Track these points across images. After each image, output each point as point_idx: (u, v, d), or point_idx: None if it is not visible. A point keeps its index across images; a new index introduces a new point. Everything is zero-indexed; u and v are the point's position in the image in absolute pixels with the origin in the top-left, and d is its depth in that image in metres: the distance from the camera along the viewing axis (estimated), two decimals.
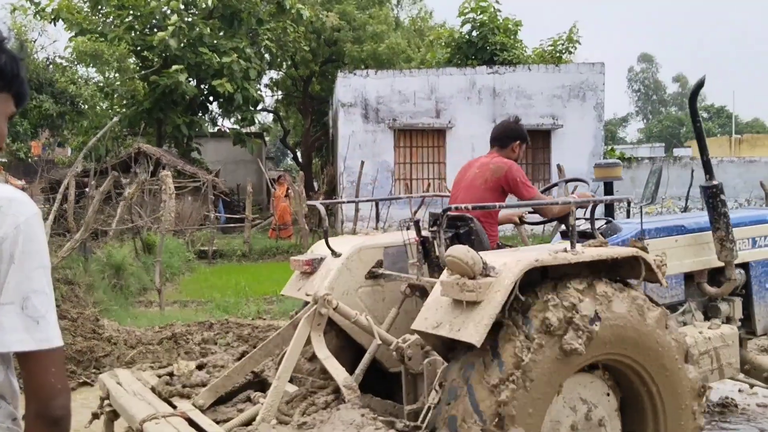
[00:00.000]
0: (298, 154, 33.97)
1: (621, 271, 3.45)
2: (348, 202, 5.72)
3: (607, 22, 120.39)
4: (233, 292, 10.90)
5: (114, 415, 3.98)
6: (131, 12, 22.33)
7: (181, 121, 22.39)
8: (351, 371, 3.74)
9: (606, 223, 4.51)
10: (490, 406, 2.91)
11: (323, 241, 4.44)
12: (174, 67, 20.70)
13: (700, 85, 4.74)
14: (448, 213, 3.77)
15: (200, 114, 24.88)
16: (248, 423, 3.54)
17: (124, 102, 22.64)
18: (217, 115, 27.45)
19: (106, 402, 4.02)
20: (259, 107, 27.75)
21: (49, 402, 1.60)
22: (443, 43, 24.69)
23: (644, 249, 3.54)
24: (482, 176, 4.48)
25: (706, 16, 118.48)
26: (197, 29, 21.58)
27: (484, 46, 22.79)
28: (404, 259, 4.24)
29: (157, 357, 7.12)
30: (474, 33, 23.14)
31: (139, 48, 22.15)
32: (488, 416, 2.91)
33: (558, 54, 23.27)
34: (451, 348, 3.23)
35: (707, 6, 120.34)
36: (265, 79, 29.70)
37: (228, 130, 26.54)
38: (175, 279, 12.85)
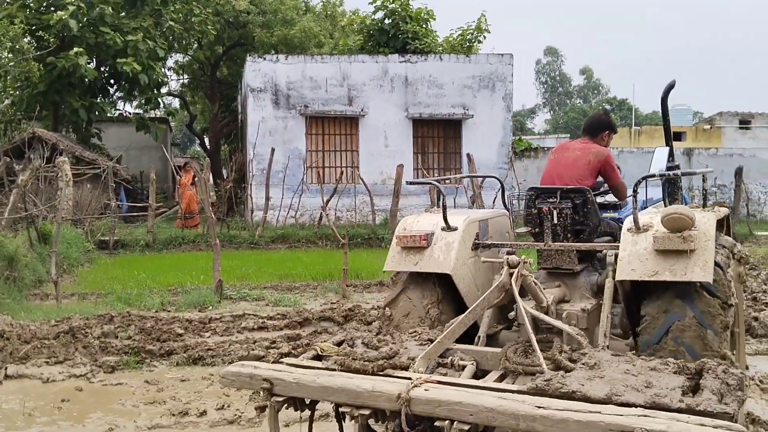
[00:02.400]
0: (206, 140, 33.04)
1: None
2: (463, 177, 6.07)
3: (515, 14, 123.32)
4: (135, 284, 10.47)
5: (281, 405, 3.73)
6: None
7: (79, 105, 21.33)
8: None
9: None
10: (717, 323, 3.87)
11: (413, 216, 5.00)
12: (75, 49, 19.64)
13: (671, 87, 5.45)
14: (565, 187, 4.87)
15: (101, 97, 23.76)
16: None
17: (18, 84, 21.37)
18: (118, 99, 26.30)
19: (271, 392, 3.67)
20: (164, 91, 26.75)
21: None
22: (355, 30, 24.49)
23: (728, 206, 4.73)
24: (585, 158, 5.16)
25: (608, 10, 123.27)
26: (98, 8, 20.53)
27: (397, 34, 22.74)
28: (487, 231, 5.00)
29: (53, 352, 6.78)
30: (386, 21, 23.05)
31: (33, 27, 20.89)
32: (717, 329, 3.86)
33: (467, 44, 23.49)
34: (639, 292, 4.11)
35: (609, 0, 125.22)
36: (169, 62, 28.69)
37: (131, 115, 25.48)
38: (73, 271, 12.23)
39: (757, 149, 26.80)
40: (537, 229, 4.91)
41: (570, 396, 3.15)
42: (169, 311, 8.84)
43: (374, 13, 23.57)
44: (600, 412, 2.94)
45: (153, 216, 16.67)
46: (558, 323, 4.07)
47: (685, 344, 3.86)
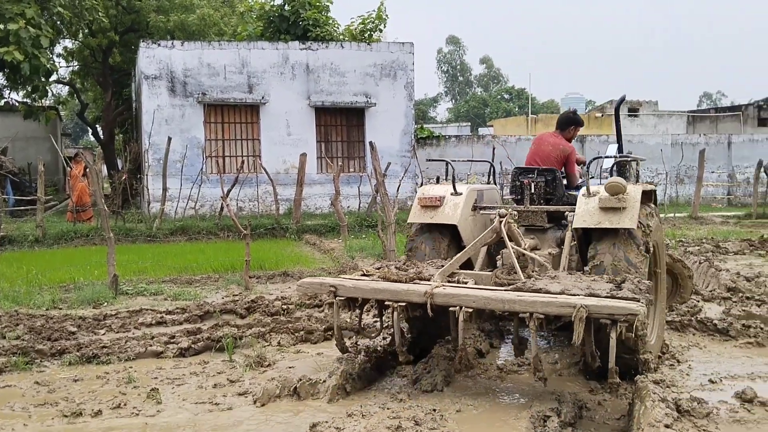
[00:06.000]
0: (99, 129, 31.66)
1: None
2: (473, 161, 9.23)
3: (417, 3, 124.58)
4: (24, 281, 9.91)
5: (343, 304, 5.41)
6: None
7: None
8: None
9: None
10: (638, 257, 5.38)
11: (429, 185, 6.44)
12: None
13: (622, 100, 7.61)
14: (540, 167, 6.66)
15: None
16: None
17: None
18: (3, 87, 24.79)
19: (335, 294, 5.34)
20: (53, 78, 25.41)
21: None
22: (255, 16, 24.04)
23: (655, 186, 6.33)
24: (555, 151, 6.94)
25: (508, 1, 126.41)
26: None
27: (297, 21, 22.52)
28: (483, 198, 6.52)
29: None
30: (286, 7, 22.76)
31: None
32: (637, 263, 5.36)
33: (368, 32, 23.52)
34: (589, 237, 5.62)
35: None
36: (58, 48, 27.26)
37: (17, 104, 24.09)
38: None
39: (644, 135, 28.26)
40: (519, 197, 6.60)
41: (537, 291, 4.87)
42: (60, 309, 8.43)
43: None
44: (556, 298, 4.67)
45: (42, 209, 15.85)
46: (529, 253, 5.75)
47: (618, 266, 5.38)
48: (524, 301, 4.70)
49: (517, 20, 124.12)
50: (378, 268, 5.73)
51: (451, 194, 6.22)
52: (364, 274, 5.66)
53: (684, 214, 20.48)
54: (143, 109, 20.03)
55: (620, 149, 7.43)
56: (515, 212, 5.92)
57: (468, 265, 6.02)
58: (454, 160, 6.97)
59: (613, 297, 4.64)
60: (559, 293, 4.76)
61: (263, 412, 4.95)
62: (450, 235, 6.23)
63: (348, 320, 6.60)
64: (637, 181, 6.18)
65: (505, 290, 4.99)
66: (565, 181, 7.04)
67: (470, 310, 4.88)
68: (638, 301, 4.55)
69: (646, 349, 5.34)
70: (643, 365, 5.20)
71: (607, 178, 7.13)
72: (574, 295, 4.72)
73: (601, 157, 7.17)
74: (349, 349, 5.76)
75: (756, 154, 25.53)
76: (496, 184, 7.35)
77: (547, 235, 6.53)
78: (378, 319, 5.95)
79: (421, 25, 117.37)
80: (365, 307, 5.84)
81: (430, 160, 7.77)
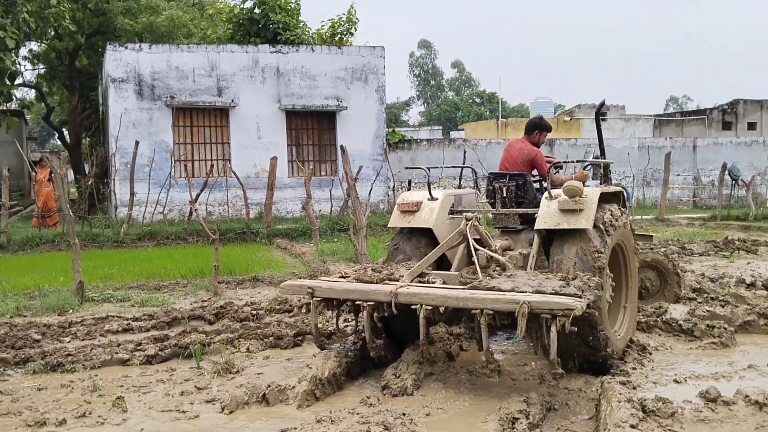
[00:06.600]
0: (65, 133, 31.19)
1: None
2: (452, 167, 8.99)
3: (389, 6, 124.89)
4: None
5: (320, 304, 5.76)
6: None
7: None
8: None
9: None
10: (594, 255, 5.58)
11: (409, 192, 6.88)
12: None
13: (602, 105, 8.26)
14: (511, 172, 7.00)
15: None
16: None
17: None
18: None
19: (313, 295, 5.72)
20: (18, 81, 24.97)
21: None
22: (224, 19, 23.87)
23: (624, 188, 6.87)
24: (521, 155, 7.29)
25: (479, 5, 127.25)
26: None
27: (267, 24, 22.41)
28: (461, 203, 6.88)
29: None
30: (256, 10, 22.65)
31: None
32: (592, 261, 5.56)
33: (339, 35, 23.50)
34: (552, 238, 5.91)
35: None
36: (23, 51, 26.81)
37: None
38: None
39: (612, 139, 28.54)
40: (493, 200, 6.93)
41: (490, 288, 5.20)
42: (25, 316, 8.29)
43: (243, 2, 23.12)
44: (504, 295, 4.99)
45: (7, 215, 15.58)
46: (492, 253, 6.08)
47: (573, 265, 5.65)
48: (476, 299, 5.06)
49: (487, 25, 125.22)
50: (356, 270, 6.11)
51: (428, 199, 6.59)
52: (341, 276, 6.03)
53: (650, 216, 20.76)
54: (110, 112, 19.77)
55: (602, 152, 7.76)
56: (480, 215, 6.23)
57: (448, 266, 6.38)
58: (432, 167, 7.27)
59: (557, 293, 4.93)
60: (509, 290, 5.09)
61: (231, 420, 4.91)
62: (427, 238, 6.54)
63: (320, 325, 6.67)
64: (602, 183, 6.50)
65: (461, 289, 5.35)
66: (545, 184, 7.25)
67: (430, 307, 5.24)
68: (580, 297, 4.86)
69: (608, 342, 5.60)
70: (602, 356, 5.54)
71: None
72: (522, 292, 5.03)
73: (566, 162, 7.60)
74: (326, 346, 6.03)
75: (720, 157, 25.98)
76: (477, 188, 7.69)
77: (521, 237, 6.85)
78: (350, 324, 6.08)
79: (393, 29, 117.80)
80: (342, 310, 6.11)
81: (408, 168, 7.99)
